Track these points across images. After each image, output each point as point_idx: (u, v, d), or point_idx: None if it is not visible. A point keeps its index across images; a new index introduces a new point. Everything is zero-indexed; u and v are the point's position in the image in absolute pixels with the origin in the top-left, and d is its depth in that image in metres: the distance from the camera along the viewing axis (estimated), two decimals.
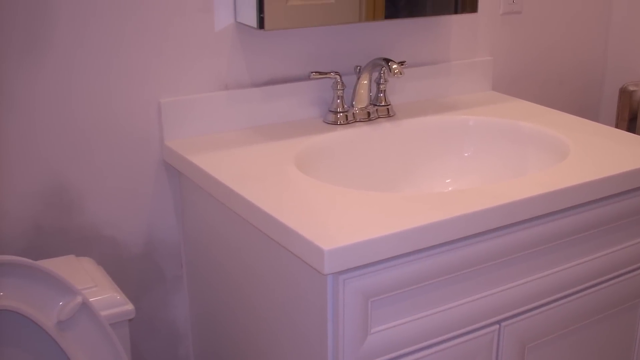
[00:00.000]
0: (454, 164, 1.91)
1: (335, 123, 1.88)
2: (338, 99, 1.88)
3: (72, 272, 1.52)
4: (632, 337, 1.82)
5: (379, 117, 1.93)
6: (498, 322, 1.53)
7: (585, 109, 2.57)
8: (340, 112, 1.88)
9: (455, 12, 2.02)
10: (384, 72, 1.93)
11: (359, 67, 1.91)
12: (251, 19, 1.73)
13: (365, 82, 1.90)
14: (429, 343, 1.43)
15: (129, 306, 1.48)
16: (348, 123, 1.88)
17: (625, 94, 2.40)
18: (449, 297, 1.43)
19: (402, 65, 1.87)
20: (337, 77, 1.87)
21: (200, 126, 1.78)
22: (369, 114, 1.91)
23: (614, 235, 1.66)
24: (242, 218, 1.48)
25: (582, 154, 1.68)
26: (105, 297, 1.47)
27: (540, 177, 1.56)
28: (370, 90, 1.91)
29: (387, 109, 1.94)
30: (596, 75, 2.57)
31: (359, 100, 1.90)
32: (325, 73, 1.87)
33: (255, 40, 1.83)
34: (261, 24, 1.71)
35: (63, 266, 1.54)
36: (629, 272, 1.73)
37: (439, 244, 1.36)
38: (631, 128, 2.38)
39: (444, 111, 2.01)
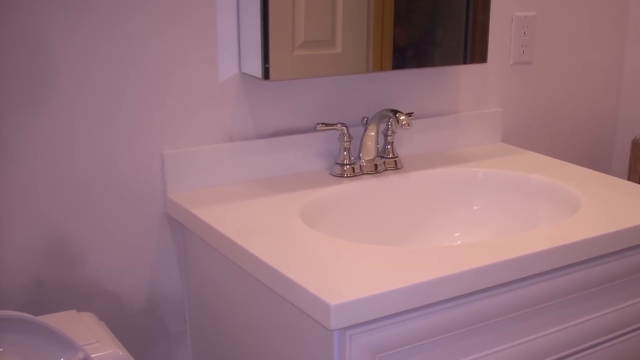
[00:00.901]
0: (463, 217, 1.93)
1: (341, 176, 1.90)
2: (345, 151, 1.90)
3: (74, 328, 1.52)
4: None
5: (386, 170, 1.95)
6: None
7: (597, 161, 2.59)
8: (347, 165, 1.90)
9: (465, 63, 2.04)
10: (391, 124, 1.96)
11: (366, 119, 1.94)
12: (256, 69, 1.75)
13: (373, 133, 1.92)
14: None
15: None
16: (355, 176, 1.90)
17: (637, 146, 2.42)
18: (458, 353, 1.44)
19: (410, 116, 1.89)
20: (344, 128, 1.89)
21: (204, 179, 1.80)
22: (376, 166, 1.93)
23: (627, 289, 1.67)
24: (246, 272, 1.49)
25: (594, 207, 1.70)
26: (108, 353, 1.47)
27: (551, 230, 1.58)
28: (377, 142, 1.93)
29: (395, 161, 1.97)
30: (608, 127, 2.60)
31: (366, 152, 1.93)
32: (332, 124, 1.89)
33: (260, 90, 1.85)
34: (266, 74, 1.73)
35: (64, 321, 1.54)
36: None
37: (448, 299, 1.37)
38: None
39: (452, 163, 2.03)
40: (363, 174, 1.92)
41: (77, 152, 1.65)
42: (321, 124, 1.89)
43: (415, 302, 1.32)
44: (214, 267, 1.69)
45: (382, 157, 1.96)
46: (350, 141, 1.90)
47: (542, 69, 2.37)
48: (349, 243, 1.50)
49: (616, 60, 2.55)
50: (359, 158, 1.93)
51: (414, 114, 2.00)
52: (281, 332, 1.45)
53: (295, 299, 1.33)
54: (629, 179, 2.43)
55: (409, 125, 1.81)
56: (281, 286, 1.36)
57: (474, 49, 2.03)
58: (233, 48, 1.80)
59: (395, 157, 1.97)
